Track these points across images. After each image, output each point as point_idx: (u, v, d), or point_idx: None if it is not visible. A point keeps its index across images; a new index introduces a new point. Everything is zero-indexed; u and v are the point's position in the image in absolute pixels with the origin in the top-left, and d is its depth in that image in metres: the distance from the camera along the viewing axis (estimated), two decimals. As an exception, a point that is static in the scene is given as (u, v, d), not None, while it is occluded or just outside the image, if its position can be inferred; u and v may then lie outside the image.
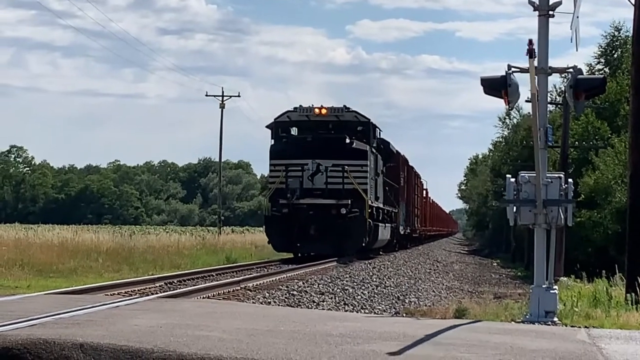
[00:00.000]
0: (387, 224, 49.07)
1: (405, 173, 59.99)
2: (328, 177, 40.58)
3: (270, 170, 42.30)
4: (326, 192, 40.47)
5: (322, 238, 40.45)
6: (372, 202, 42.74)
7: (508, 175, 17.19)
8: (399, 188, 55.61)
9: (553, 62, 16.75)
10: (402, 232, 58.56)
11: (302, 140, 41.58)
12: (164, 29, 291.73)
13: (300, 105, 42.59)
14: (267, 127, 43.24)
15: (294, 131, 43.27)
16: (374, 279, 33.04)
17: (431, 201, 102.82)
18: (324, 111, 42.18)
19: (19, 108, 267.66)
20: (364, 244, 42.48)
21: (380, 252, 50.83)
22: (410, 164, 65.79)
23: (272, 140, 42.45)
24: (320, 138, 41.11)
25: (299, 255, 41.92)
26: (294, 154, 40.86)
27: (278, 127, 42.59)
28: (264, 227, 44.60)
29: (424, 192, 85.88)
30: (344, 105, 43.03)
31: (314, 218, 40.20)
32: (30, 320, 12.01)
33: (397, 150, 54.54)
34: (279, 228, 40.91)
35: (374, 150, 44.10)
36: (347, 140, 41.34)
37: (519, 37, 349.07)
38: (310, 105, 42.46)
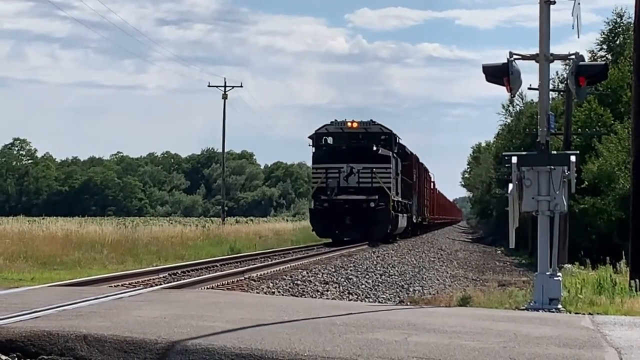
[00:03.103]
0: (404, 214, 58.02)
1: (417, 170, 68.11)
2: (360, 177, 49.91)
3: (313, 173, 52.69)
4: (358, 190, 49.64)
5: (355, 226, 49.34)
6: (394, 197, 51.80)
7: (506, 154, 17.15)
8: (412, 183, 63.80)
9: (554, 49, 16.73)
10: (414, 221, 66.96)
11: (338, 149, 51.03)
12: (162, 19, 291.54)
13: (336, 120, 52.06)
14: (309, 137, 52.26)
15: (330, 140, 52.33)
16: (378, 268, 33.05)
17: (438, 192, 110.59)
18: (355, 124, 51.83)
19: (20, 100, 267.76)
20: (388, 231, 51.81)
21: (397, 238, 57.65)
22: (421, 160, 73.63)
23: (314, 148, 51.77)
24: (353, 146, 50.72)
25: (337, 239, 49.73)
26: (332, 159, 50.25)
27: (318, 137, 51.94)
28: (309, 218, 55.21)
29: (432, 184, 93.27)
30: (371, 120, 52.65)
31: (349, 210, 49.25)
32: (34, 312, 12.01)
33: (410, 152, 62.97)
34: (320, 218, 50.10)
35: (395, 155, 52.99)
36: (374, 148, 50.66)
37: (519, 25, 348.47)
38: (344, 120, 52.06)
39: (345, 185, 49.60)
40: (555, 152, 18.02)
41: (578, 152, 17.79)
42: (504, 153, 17.79)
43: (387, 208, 50.16)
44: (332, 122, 52.14)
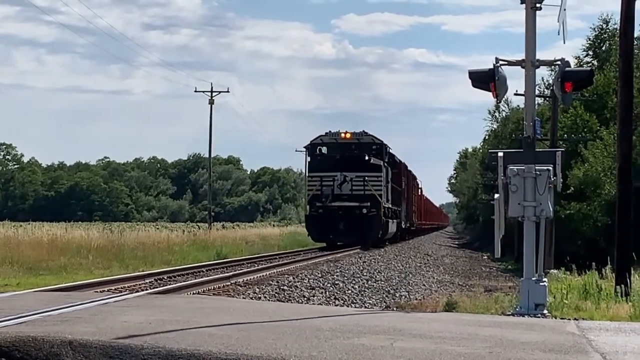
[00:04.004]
0: (394, 220, 60.49)
1: (406, 177, 70.23)
2: (352, 185, 52.45)
3: (309, 180, 55.12)
4: (351, 197, 52.19)
5: (348, 232, 51.88)
6: (385, 204, 54.32)
7: (493, 151, 17.20)
8: (401, 190, 65.73)
9: (540, 55, 16.78)
10: (403, 226, 69.19)
11: (332, 158, 53.39)
12: (149, 24, 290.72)
13: (330, 131, 54.77)
14: (304, 147, 55.16)
15: (324, 150, 54.73)
16: (365, 274, 33.05)
17: (425, 198, 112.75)
18: (348, 135, 54.51)
19: (6, 105, 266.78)
20: (379, 236, 54.54)
21: (387, 243, 59.29)
22: (409, 168, 75.65)
23: (309, 158, 54.42)
24: (346, 156, 53.29)
25: (331, 244, 52.12)
26: (327, 168, 52.70)
27: (313, 148, 54.57)
28: (304, 223, 57.84)
29: (419, 190, 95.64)
30: (363, 131, 55.48)
31: (342, 216, 51.82)
32: (19, 317, 11.98)
33: (399, 160, 65.46)
34: (316, 224, 52.72)
35: (385, 164, 55.41)
36: (366, 158, 53.17)
37: (505, 30, 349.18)
38: (338, 131, 54.69)
39: (339, 192, 52.23)
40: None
41: (563, 149, 17.80)
42: (490, 150, 17.86)
43: (378, 214, 52.78)
44: (326, 133, 54.83)
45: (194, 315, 12.90)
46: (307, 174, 55.76)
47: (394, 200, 60.52)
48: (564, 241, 48.11)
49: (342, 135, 54.53)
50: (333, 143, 54.39)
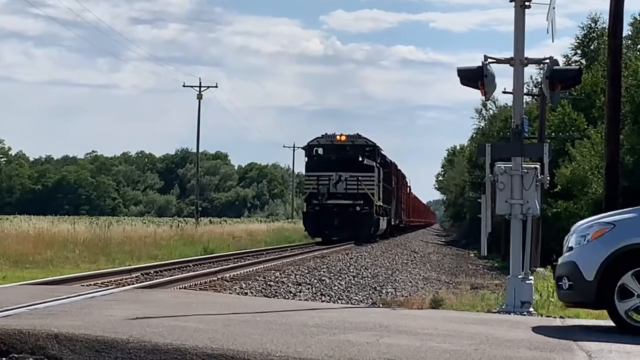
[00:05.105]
0: (384, 217, 63.96)
1: (396, 177, 73.52)
2: (347, 184, 55.84)
3: (306, 180, 59.82)
4: (346, 195, 55.76)
5: (343, 228, 55.32)
6: (377, 202, 57.87)
7: (481, 144, 17.23)
8: (392, 189, 68.83)
9: (529, 53, 16.80)
10: (393, 223, 72.40)
11: (328, 159, 57.03)
12: (136, 18, 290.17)
13: (326, 133, 58.90)
14: (302, 148, 60.90)
15: (320, 151, 58.64)
16: (351, 270, 33.08)
17: (413, 196, 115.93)
18: (343, 138, 58.50)
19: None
20: (371, 232, 58.47)
21: (377, 239, 62.64)
22: (398, 167, 78.84)
23: (306, 158, 58.55)
24: (341, 157, 56.88)
25: (326, 239, 55.25)
26: (323, 168, 56.22)
27: (310, 149, 58.72)
28: (302, 220, 62.19)
29: (408, 188, 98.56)
30: (357, 133, 59.87)
31: (337, 213, 55.24)
32: (5, 310, 11.96)
33: (390, 160, 69.05)
34: (312, 220, 56.42)
35: (378, 165, 59.06)
36: (360, 159, 56.77)
37: (493, 29, 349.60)
38: (334, 133, 58.89)
39: (334, 191, 55.72)
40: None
41: (549, 141, 17.78)
42: (478, 144, 17.92)
43: (371, 212, 56.48)
44: (322, 135, 58.96)
45: (180, 310, 12.90)
46: (304, 174, 60.40)
47: (385, 198, 63.69)
48: (550, 239, 48.14)
49: (338, 137, 58.58)
50: (329, 145, 58.30)
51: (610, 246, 11.99)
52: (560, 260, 12.81)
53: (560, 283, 12.63)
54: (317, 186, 56.02)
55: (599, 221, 12.60)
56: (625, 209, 12.80)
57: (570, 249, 12.63)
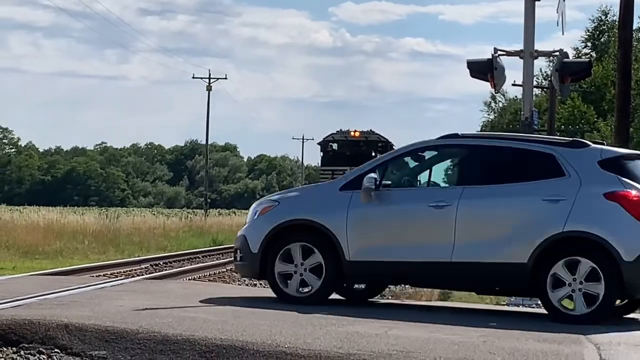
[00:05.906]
0: None
1: None
2: None
3: (321, 174, 63.04)
4: None
5: None
6: None
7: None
8: None
9: (538, 46, 16.79)
10: None
11: (342, 154, 59.95)
12: (145, 9, 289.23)
13: (341, 129, 61.98)
14: (317, 143, 64.25)
15: (335, 146, 62.12)
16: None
17: None
18: (357, 134, 61.22)
19: (2, 89, 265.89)
20: None
21: None
22: None
23: (322, 153, 62.32)
24: (355, 152, 58.82)
25: None
26: (337, 162, 58.47)
27: (325, 144, 62.34)
28: None
29: None
30: (370, 129, 62.19)
31: None
32: (15, 300, 12.00)
33: None
34: None
35: None
36: (373, 154, 56.83)
37: (503, 21, 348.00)
38: (348, 129, 61.56)
39: None
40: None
41: (558, 133, 17.73)
42: None
43: None
44: (337, 131, 62.37)
45: (190, 301, 12.93)
46: (319, 168, 63.81)
47: None
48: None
49: (352, 133, 61.41)
50: (343, 140, 61.40)
51: (274, 221, 12.69)
52: (237, 234, 13.39)
53: (236, 255, 13.25)
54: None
55: (267, 198, 13.44)
56: (291, 189, 13.77)
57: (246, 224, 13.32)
